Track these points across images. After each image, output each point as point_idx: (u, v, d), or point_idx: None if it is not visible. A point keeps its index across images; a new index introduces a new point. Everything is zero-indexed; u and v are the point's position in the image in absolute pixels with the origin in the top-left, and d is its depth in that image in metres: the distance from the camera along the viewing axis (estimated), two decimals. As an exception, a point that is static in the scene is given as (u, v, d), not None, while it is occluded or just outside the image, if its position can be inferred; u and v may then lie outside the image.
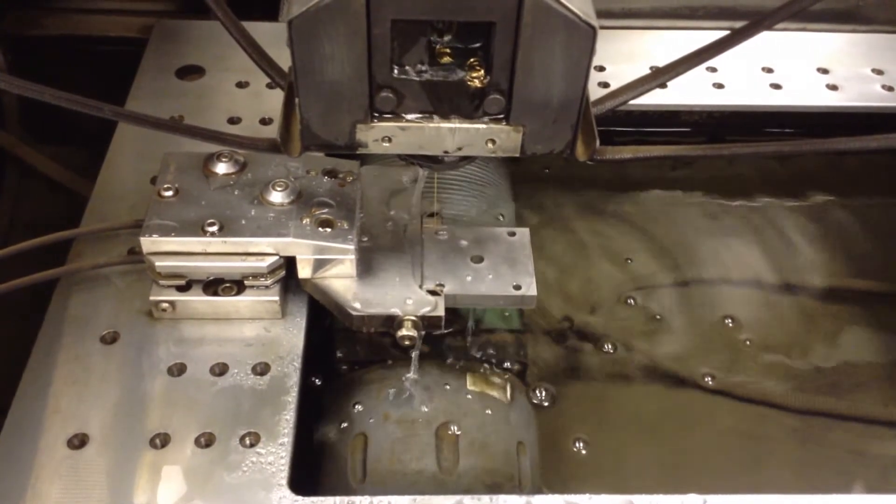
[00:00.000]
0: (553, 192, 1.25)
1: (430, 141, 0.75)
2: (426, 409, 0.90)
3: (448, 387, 0.93)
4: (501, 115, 0.74)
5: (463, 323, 0.99)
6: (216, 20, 1.27)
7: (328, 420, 0.92)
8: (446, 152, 0.77)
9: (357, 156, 0.94)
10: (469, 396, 0.92)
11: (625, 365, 1.07)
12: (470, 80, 0.71)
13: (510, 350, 1.01)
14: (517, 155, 0.76)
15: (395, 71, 0.71)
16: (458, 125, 0.74)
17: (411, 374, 0.92)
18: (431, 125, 0.74)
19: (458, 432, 0.89)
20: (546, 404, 0.99)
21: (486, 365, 0.97)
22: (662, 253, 1.19)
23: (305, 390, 0.86)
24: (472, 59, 0.71)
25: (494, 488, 0.86)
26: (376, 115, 0.74)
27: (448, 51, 0.71)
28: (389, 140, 0.75)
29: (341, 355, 0.98)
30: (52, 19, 1.41)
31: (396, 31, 0.68)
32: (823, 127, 1.20)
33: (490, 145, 0.75)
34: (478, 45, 0.71)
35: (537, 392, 0.99)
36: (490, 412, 0.91)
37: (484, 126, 0.74)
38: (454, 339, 0.99)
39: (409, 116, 0.74)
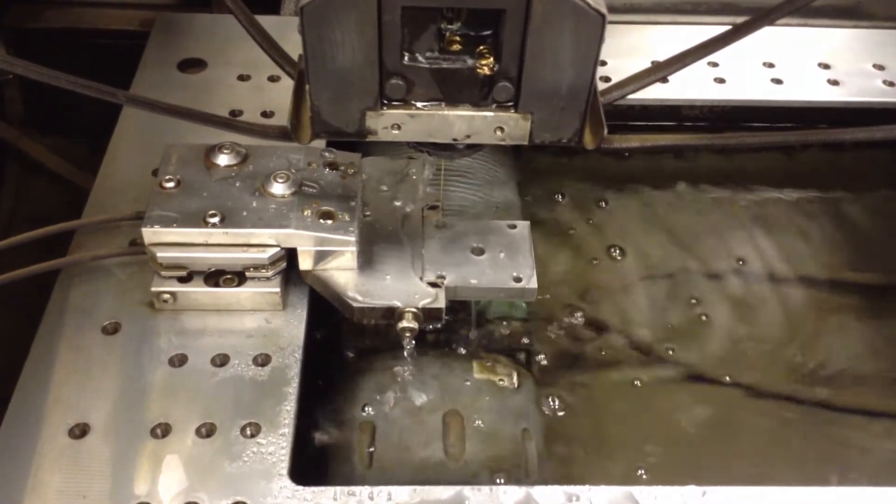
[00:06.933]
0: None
1: (439, 128, 0.76)
2: (433, 397, 0.91)
3: (454, 374, 0.93)
4: (510, 103, 0.74)
5: (469, 311, 0.99)
6: (218, 13, 1.28)
7: (335, 408, 0.92)
8: (455, 140, 0.77)
9: (358, 148, 0.95)
10: (475, 384, 0.93)
11: (627, 353, 1.07)
12: (479, 68, 0.72)
13: (516, 337, 1.01)
14: (525, 143, 0.76)
15: (405, 58, 0.72)
16: (467, 113, 0.75)
17: (405, 364, 0.92)
18: (440, 112, 0.75)
19: (465, 419, 0.89)
20: (560, 413, 1.00)
21: (492, 352, 0.98)
22: (665, 244, 1.19)
23: (307, 381, 0.86)
24: (481, 47, 0.72)
25: (501, 474, 0.87)
26: (386, 102, 0.74)
27: (458, 38, 0.72)
28: (399, 127, 0.76)
29: (349, 343, 0.98)
30: (53, 12, 1.41)
31: (407, 18, 0.69)
32: (824, 122, 1.21)
33: (499, 133, 0.76)
34: (487, 32, 0.71)
35: (550, 401, 0.99)
36: (496, 399, 0.92)
37: (493, 114, 0.75)
38: (460, 327, 0.99)
39: (419, 104, 0.75)
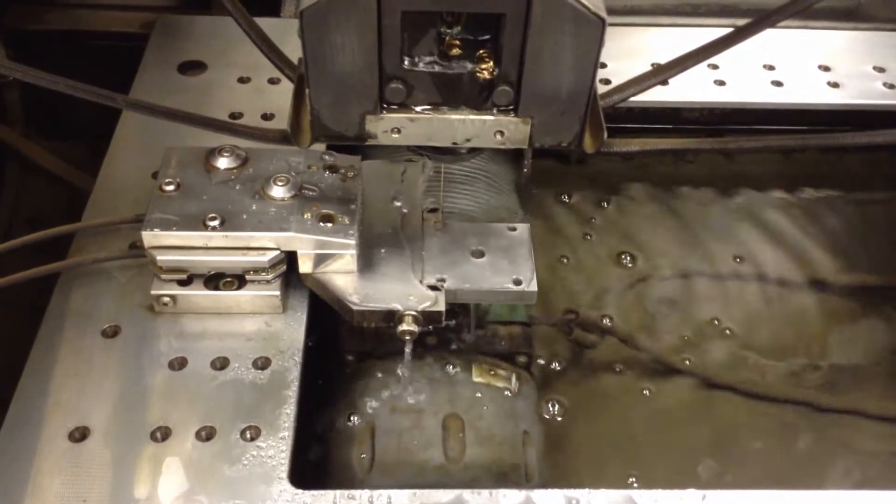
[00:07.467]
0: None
1: (439, 132, 0.76)
2: (433, 400, 0.91)
3: (454, 378, 0.93)
4: (510, 107, 0.74)
5: (468, 314, 0.99)
6: (218, 15, 1.28)
7: (335, 411, 0.92)
8: (455, 144, 0.77)
9: (358, 151, 0.95)
10: (475, 387, 0.93)
11: (626, 357, 1.07)
12: (479, 72, 0.72)
13: (516, 341, 1.01)
14: (525, 147, 0.77)
15: (405, 62, 0.72)
16: (466, 116, 0.75)
17: (405, 368, 0.92)
18: (440, 116, 0.75)
19: (465, 422, 0.89)
20: (560, 418, 1.00)
21: (492, 356, 0.97)
22: (665, 246, 1.19)
23: (307, 384, 0.86)
24: (481, 51, 0.72)
25: (501, 478, 0.87)
26: (385, 106, 0.74)
27: (458, 42, 0.72)
28: (399, 131, 0.76)
29: (348, 346, 0.98)
30: (53, 14, 1.41)
31: (407, 22, 0.69)
32: (825, 125, 1.21)
33: (498, 137, 0.76)
34: (487, 36, 0.71)
35: (550, 406, 0.99)
36: (496, 403, 0.92)
37: (492, 118, 0.75)
38: (460, 331, 0.99)
39: (419, 108, 0.75)
